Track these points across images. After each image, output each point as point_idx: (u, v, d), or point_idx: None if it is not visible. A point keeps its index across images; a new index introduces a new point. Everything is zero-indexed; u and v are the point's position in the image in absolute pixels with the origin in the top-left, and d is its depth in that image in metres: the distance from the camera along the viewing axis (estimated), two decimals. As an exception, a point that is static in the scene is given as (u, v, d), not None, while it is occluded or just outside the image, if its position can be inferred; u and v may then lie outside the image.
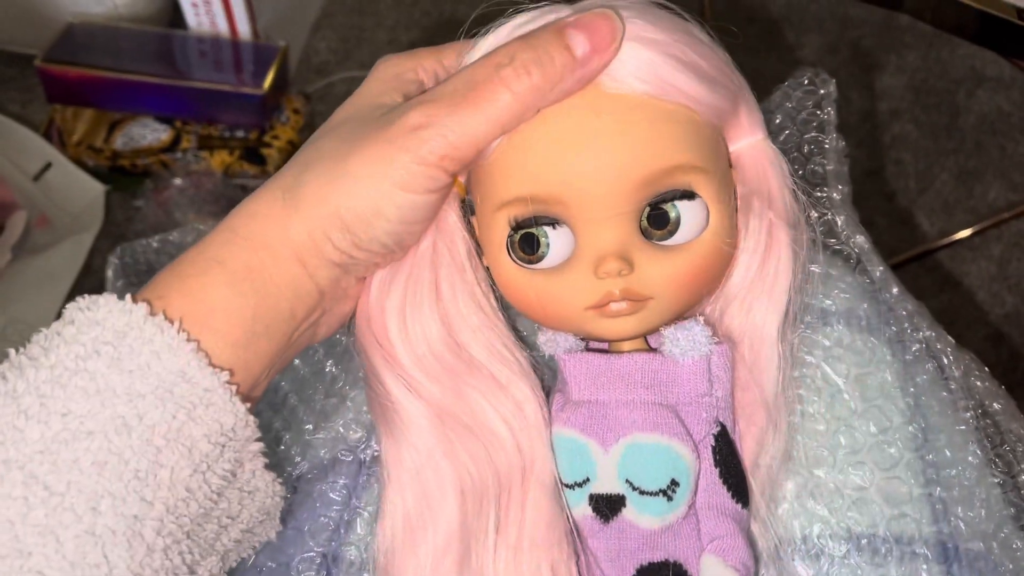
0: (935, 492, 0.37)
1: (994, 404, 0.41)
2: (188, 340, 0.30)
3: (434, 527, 0.34)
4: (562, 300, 0.34)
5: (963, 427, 0.40)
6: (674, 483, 0.33)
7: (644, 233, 0.34)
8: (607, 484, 0.34)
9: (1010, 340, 1.09)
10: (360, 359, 0.37)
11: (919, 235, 1.15)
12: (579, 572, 0.34)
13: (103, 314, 0.30)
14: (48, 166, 1.00)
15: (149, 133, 1.12)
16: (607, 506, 0.34)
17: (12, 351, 0.30)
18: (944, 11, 0.66)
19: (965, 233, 1.13)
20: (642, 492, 0.33)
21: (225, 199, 1.09)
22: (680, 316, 0.35)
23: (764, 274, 0.36)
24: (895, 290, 0.42)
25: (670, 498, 0.33)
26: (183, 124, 1.12)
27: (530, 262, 0.34)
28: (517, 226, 0.34)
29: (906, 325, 0.41)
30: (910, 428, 0.38)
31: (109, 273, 0.52)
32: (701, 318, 0.35)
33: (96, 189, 1.02)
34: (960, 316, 1.10)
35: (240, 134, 1.12)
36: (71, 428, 0.28)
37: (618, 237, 0.33)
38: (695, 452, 0.34)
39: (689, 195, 0.34)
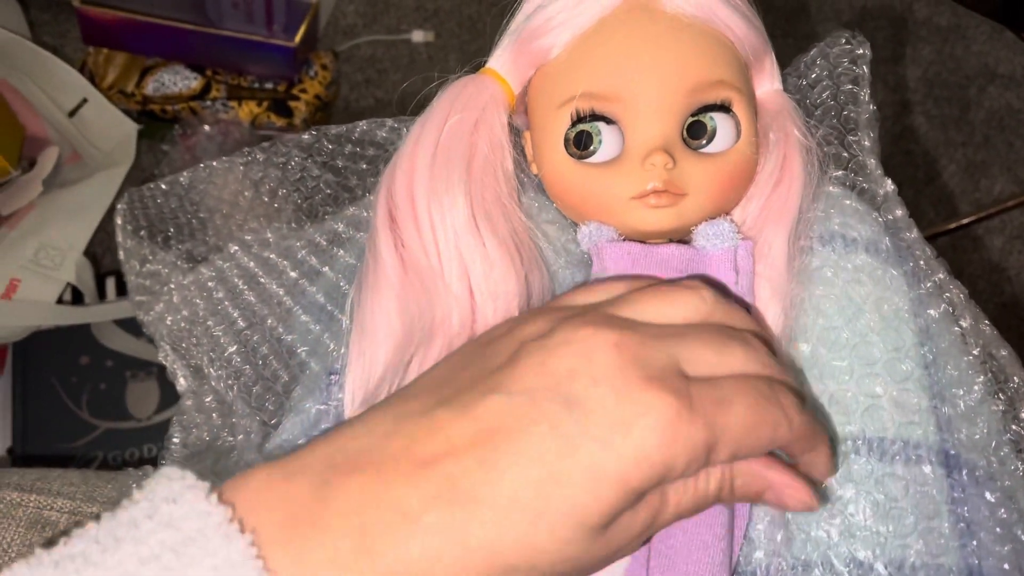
0: (941, 408, 0.40)
1: (1001, 351, 0.44)
2: (256, 557, 0.26)
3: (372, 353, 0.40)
4: (609, 190, 0.39)
5: (970, 358, 0.42)
6: None
7: (684, 142, 0.39)
8: None
9: (1007, 331, 1.12)
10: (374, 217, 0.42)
11: (924, 224, 1.18)
12: None
13: (182, 512, 0.27)
14: (84, 102, 1.02)
15: (180, 80, 1.14)
16: None
17: (87, 527, 0.27)
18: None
19: (967, 220, 1.16)
20: None
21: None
22: (709, 218, 0.40)
23: (779, 192, 0.41)
24: (915, 233, 0.45)
25: None
26: (213, 73, 1.14)
27: (583, 156, 0.39)
28: (577, 119, 0.39)
29: (922, 263, 0.44)
30: (922, 349, 0.41)
31: (118, 220, 0.54)
32: (728, 217, 0.40)
33: (129, 126, 1.04)
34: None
35: (269, 86, 1.14)
36: None
37: (665, 135, 0.38)
38: None
39: (726, 109, 0.39)
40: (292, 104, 1.13)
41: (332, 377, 0.43)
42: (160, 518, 0.27)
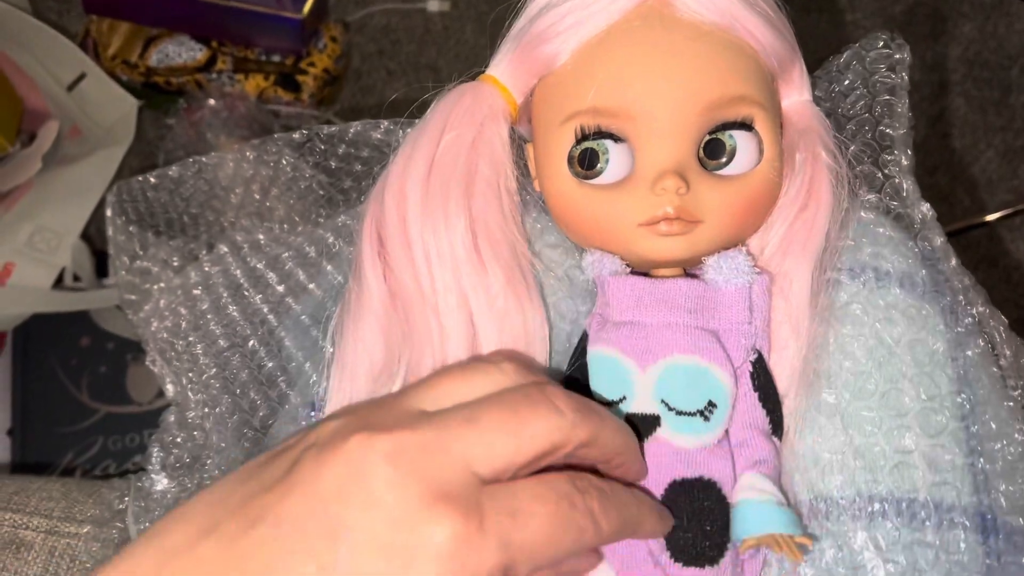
0: (978, 463, 0.37)
1: (1045, 389, 0.40)
2: None
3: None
4: (616, 215, 0.35)
5: (1010, 404, 0.39)
6: (711, 404, 0.34)
7: (700, 162, 0.35)
8: (643, 404, 0.35)
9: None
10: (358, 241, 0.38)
11: (958, 211, 1.13)
12: None
13: None
14: (82, 76, 0.99)
15: (185, 52, 1.10)
16: (641, 425, 0.35)
17: None
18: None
19: (1004, 212, 1.11)
20: (678, 412, 0.34)
21: (257, 124, 1.08)
22: (724, 247, 0.36)
23: (804, 218, 0.37)
24: (954, 262, 0.41)
25: (707, 419, 0.34)
26: (219, 45, 1.10)
27: (589, 176, 0.36)
28: (583, 137, 0.35)
29: (961, 298, 0.40)
30: (958, 398, 0.37)
31: (108, 212, 0.53)
32: (744, 248, 0.36)
33: (130, 103, 1.01)
34: (993, 296, 1.07)
35: (276, 59, 1.10)
36: None
37: (678, 157, 0.35)
38: (734, 377, 0.34)
39: (748, 127, 0.36)
40: (300, 78, 1.09)
41: (312, 413, 0.40)
42: None
